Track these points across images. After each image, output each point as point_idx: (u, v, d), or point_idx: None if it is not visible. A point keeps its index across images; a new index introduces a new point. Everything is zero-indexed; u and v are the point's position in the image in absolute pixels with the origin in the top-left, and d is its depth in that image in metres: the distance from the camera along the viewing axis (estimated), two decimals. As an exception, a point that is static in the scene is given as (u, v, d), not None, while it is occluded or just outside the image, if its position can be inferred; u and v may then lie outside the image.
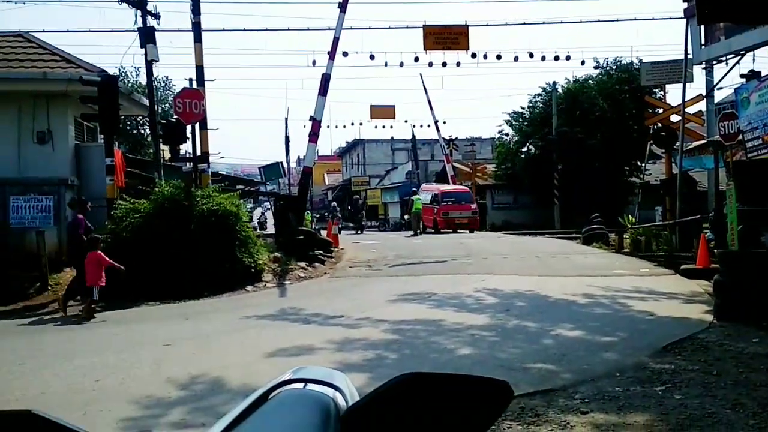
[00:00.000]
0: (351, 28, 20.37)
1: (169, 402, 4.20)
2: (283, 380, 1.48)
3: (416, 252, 14.21)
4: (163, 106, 26.50)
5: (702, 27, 13.18)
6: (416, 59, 21.61)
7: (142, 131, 27.99)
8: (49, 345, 6.54)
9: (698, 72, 14.73)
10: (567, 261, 12.40)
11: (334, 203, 35.28)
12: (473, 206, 24.69)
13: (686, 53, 13.19)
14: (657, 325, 6.49)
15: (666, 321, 6.65)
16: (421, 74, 31.86)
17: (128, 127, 27.02)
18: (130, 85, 24.03)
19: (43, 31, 16.79)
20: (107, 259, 8.25)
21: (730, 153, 10.67)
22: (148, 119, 15.45)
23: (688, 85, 13.73)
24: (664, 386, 4.48)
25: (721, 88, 14.45)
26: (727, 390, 4.35)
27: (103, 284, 8.14)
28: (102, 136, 11.35)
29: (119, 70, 24.21)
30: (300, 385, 1.47)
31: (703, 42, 13.46)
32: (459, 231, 23.06)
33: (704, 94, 15.06)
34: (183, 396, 4.33)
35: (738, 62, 12.58)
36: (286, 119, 41.26)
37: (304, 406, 1.34)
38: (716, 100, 17.33)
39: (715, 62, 13.49)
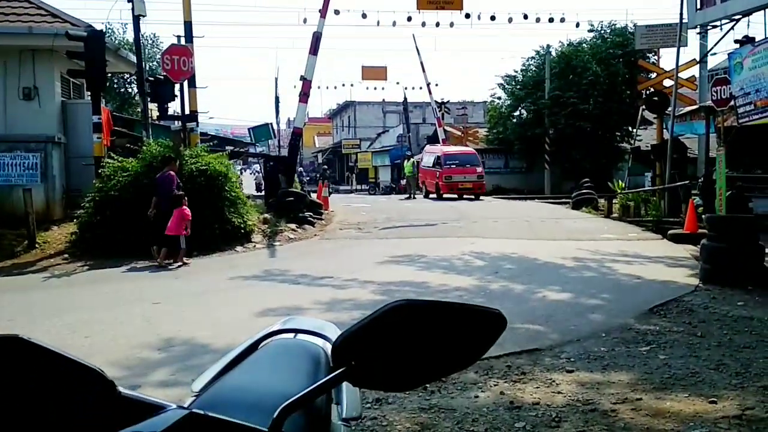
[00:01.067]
0: None
1: (158, 360, 4.19)
2: (273, 330, 1.49)
3: (407, 215, 14.18)
4: (150, 63, 25.81)
5: None
6: (409, 19, 21.14)
7: (130, 89, 27.37)
8: (38, 302, 6.49)
9: (693, 36, 14.56)
10: (556, 225, 12.44)
11: (325, 166, 35.04)
12: (479, 169, 22.17)
13: (681, 17, 12.96)
14: (643, 288, 6.55)
15: (652, 284, 6.71)
16: (413, 35, 31.15)
17: (115, 85, 26.38)
18: (117, 41, 23.32)
19: None
20: (189, 215, 9.01)
21: (721, 118, 10.61)
22: (135, 77, 15.02)
23: (681, 50, 13.57)
24: (649, 347, 4.55)
25: (715, 53, 14.33)
26: (711, 351, 4.42)
27: (188, 234, 8.94)
28: (89, 93, 11.05)
29: (106, 26, 23.41)
30: (290, 335, 1.48)
31: (698, 5, 13.24)
32: (465, 197, 21.03)
33: (698, 59, 14.90)
34: (171, 354, 4.32)
35: (733, 27, 12.41)
36: (276, 79, 40.52)
37: (294, 354, 1.35)
38: (710, 65, 17.19)
39: (709, 27, 13.30)
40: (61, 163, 11.66)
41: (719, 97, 10.33)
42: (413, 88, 37.64)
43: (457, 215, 14.02)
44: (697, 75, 15.48)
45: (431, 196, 22.41)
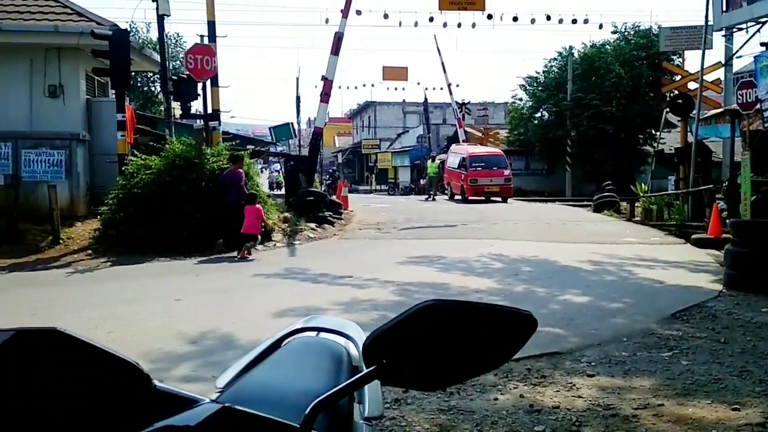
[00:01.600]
0: None
1: (179, 355, 4.26)
2: (296, 328, 1.51)
3: (426, 216, 14.18)
4: (174, 62, 26.19)
5: None
6: (431, 19, 21.04)
7: (153, 88, 27.76)
8: (62, 297, 6.64)
9: (718, 39, 14.26)
10: (577, 228, 12.32)
11: (333, 168, 35.01)
12: (506, 172, 21.18)
13: (707, 19, 12.74)
14: (666, 292, 6.45)
15: (675, 289, 6.61)
16: (435, 35, 31.16)
17: (139, 84, 26.80)
18: (141, 40, 23.68)
19: None
20: (263, 213, 9.78)
21: (747, 122, 10.40)
22: (158, 76, 15.16)
23: (706, 52, 13.33)
24: (671, 352, 4.48)
25: (740, 56, 14.01)
26: (734, 357, 4.34)
27: (259, 232, 9.55)
28: (113, 91, 11.24)
29: (130, 25, 23.78)
30: (312, 334, 1.50)
31: (724, 8, 12.99)
32: (492, 200, 20.17)
33: (723, 61, 14.62)
34: (193, 350, 4.39)
35: (759, 30, 12.15)
36: (297, 79, 40.77)
37: (317, 353, 1.37)
38: (735, 68, 16.83)
39: (735, 29, 13.03)
40: (85, 160, 11.87)
41: (745, 101, 10.12)
42: (434, 89, 37.52)
43: (476, 217, 13.97)
44: (722, 78, 15.19)
45: (456, 198, 21.59)
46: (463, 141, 29.33)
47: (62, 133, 11.43)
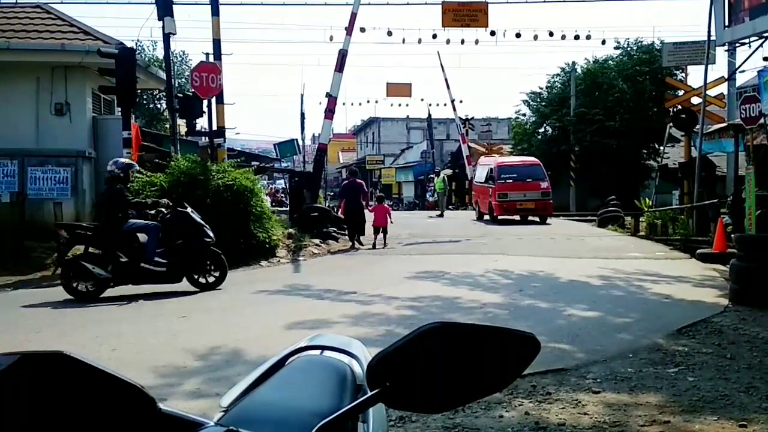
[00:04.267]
0: (369, 4, 19.78)
1: (184, 372, 4.27)
2: (299, 347, 1.50)
3: (430, 231, 14.20)
4: (179, 80, 26.45)
5: (726, 7, 12.78)
6: (434, 36, 21.18)
7: (159, 105, 28.04)
8: (66, 315, 6.66)
9: (721, 54, 14.37)
10: (582, 243, 12.29)
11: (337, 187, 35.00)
12: (544, 184, 17.48)
13: (709, 34, 12.80)
14: (671, 307, 6.42)
15: (680, 304, 6.58)
16: (438, 52, 31.32)
17: (145, 101, 27.06)
18: (147, 58, 23.90)
19: (61, 2, 16.57)
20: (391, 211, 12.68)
21: (750, 136, 10.41)
22: (164, 93, 15.24)
23: (709, 67, 13.40)
24: (677, 368, 4.45)
25: (743, 71, 14.09)
26: (740, 373, 4.31)
27: (386, 225, 12.15)
28: (119, 108, 11.34)
29: (136, 43, 24.06)
30: (317, 352, 1.48)
31: (726, 23, 13.07)
32: (530, 219, 16.99)
33: (726, 76, 14.68)
34: (199, 366, 4.40)
35: (761, 45, 12.22)
36: (302, 96, 41.13)
37: (321, 372, 1.35)
38: (738, 83, 16.89)
39: (738, 44, 13.10)
40: (91, 178, 11.90)
41: (748, 115, 10.12)
42: (437, 105, 37.71)
43: (481, 232, 13.99)
44: (726, 92, 15.24)
45: (485, 218, 17.89)
46: (467, 157, 29.40)
47: (68, 151, 11.49)
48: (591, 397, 3.81)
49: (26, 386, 0.80)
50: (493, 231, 14.19)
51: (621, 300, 6.78)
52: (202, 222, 7.91)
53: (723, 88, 15.22)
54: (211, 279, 7.86)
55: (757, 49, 12.27)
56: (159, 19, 11.53)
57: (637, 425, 3.37)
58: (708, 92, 13.68)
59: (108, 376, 0.84)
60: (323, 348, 1.51)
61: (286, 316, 5.88)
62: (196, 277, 7.76)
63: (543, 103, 28.13)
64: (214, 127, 12.30)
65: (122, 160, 8.40)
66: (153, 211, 8.05)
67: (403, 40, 23.90)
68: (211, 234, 7.87)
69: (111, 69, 10.33)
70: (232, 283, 8.44)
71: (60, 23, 12.10)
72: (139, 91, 12.05)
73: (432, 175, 30.50)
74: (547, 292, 7.15)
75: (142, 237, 7.62)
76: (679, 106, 15.68)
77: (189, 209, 7.97)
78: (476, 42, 21.83)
